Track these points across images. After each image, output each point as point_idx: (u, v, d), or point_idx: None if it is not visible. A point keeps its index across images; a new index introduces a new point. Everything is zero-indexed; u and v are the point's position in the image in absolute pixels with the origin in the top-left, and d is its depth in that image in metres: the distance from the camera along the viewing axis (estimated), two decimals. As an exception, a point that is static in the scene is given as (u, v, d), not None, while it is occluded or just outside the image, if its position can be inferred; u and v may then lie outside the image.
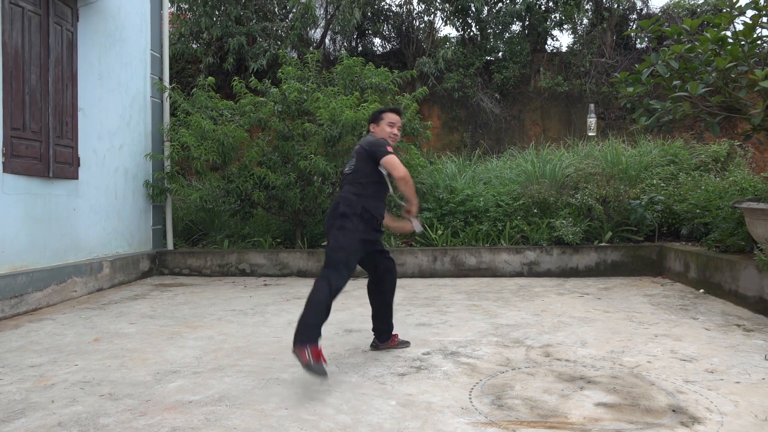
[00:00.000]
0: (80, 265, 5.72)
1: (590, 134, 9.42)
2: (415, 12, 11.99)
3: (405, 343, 3.74)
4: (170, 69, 8.40)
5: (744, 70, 4.56)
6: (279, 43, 10.96)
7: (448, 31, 22.52)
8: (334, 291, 3.14)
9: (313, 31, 12.01)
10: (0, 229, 4.82)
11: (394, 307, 3.87)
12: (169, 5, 9.89)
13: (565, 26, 11.85)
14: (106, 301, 5.47)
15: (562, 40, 23.50)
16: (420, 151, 7.68)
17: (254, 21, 11.22)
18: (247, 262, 7.06)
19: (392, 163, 3.31)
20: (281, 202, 7.03)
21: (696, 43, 4.63)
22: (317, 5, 11.23)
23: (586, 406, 2.64)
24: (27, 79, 5.07)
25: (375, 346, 3.68)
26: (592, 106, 9.66)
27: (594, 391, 2.83)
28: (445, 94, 11.37)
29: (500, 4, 11.77)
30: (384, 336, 3.67)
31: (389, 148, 3.38)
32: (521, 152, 8.95)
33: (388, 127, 3.55)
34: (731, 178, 6.48)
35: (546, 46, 12.18)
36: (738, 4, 4.43)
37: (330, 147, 6.72)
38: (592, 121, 9.44)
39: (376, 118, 3.62)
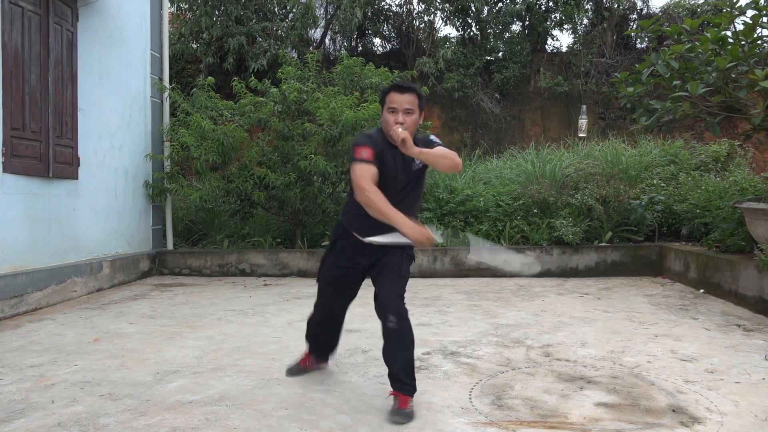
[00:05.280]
0: (80, 265, 5.71)
1: (581, 135, 9.40)
2: (415, 12, 11.99)
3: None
4: (170, 69, 8.39)
5: (744, 70, 4.56)
6: (279, 43, 10.95)
7: (448, 31, 22.48)
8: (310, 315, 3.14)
9: (313, 31, 12.01)
10: (0, 229, 4.82)
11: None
12: (169, 5, 9.87)
13: (565, 26, 11.85)
14: (106, 301, 5.47)
15: (562, 40, 23.57)
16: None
17: (254, 21, 11.21)
18: (247, 262, 7.06)
19: (353, 174, 2.48)
20: (281, 202, 7.03)
21: (696, 43, 4.63)
22: (317, 5, 11.22)
23: (586, 406, 2.64)
24: (27, 79, 5.06)
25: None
26: (584, 107, 9.66)
27: (594, 391, 2.83)
28: (445, 94, 11.36)
29: (500, 4, 11.76)
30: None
31: (359, 151, 2.49)
32: (521, 152, 8.94)
33: (390, 114, 2.57)
34: (731, 178, 6.47)
35: (546, 46, 12.18)
36: (738, 4, 4.43)
37: (330, 147, 6.72)
38: (583, 122, 9.44)
39: (381, 102, 2.67)
